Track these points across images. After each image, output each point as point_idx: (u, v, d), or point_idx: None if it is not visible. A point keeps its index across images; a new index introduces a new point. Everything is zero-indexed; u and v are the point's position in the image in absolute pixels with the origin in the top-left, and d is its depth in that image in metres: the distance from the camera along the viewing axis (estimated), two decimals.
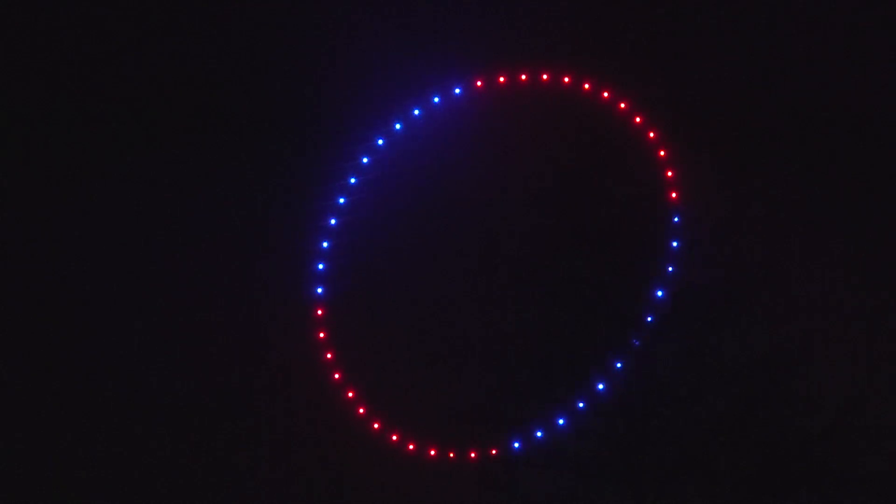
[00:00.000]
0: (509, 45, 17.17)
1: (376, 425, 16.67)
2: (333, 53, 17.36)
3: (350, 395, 16.76)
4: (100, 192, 17.38)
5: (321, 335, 16.94)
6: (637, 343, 15.99)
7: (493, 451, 16.34)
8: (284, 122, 17.34)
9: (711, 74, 17.05)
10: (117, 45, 17.59)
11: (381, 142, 17.19)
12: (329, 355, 16.88)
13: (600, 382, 15.97)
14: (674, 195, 16.47)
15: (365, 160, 17.18)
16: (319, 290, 16.94)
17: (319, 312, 16.99)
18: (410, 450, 16.50)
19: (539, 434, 16.14)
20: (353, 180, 17.19)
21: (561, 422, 16.06)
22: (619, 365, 15.99)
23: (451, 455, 16.41)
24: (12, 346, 17.07)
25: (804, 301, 16.36)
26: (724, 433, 15.95)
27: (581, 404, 16.05)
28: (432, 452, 16.48)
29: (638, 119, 16.80)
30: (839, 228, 16.63)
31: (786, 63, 17.05)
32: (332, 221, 17.09)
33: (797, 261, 16.54)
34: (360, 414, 16.68)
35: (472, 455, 16.35)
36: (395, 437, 16.59)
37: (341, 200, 17.15)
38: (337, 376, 16.86)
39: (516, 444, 16.21)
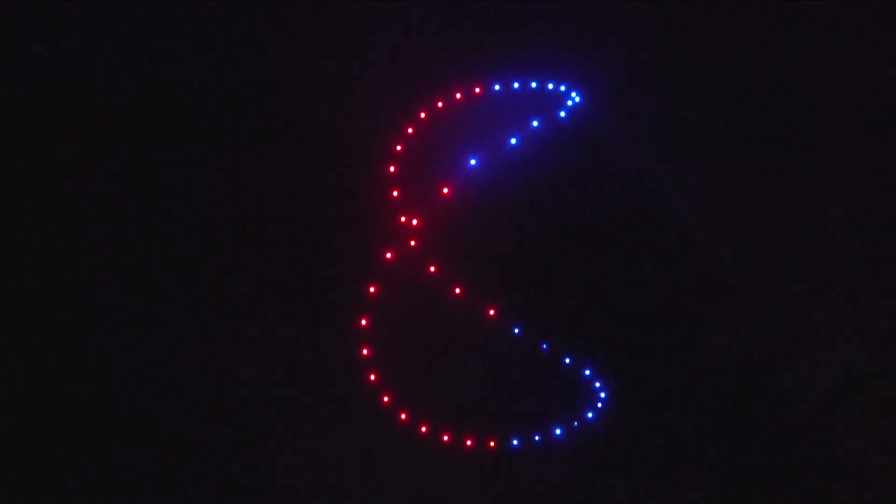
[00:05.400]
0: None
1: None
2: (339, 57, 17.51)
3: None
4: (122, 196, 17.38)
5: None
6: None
7: (491, 444, 16.79)
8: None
9: (708, 70, 17.22)
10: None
11: (399, 148, 17.03)
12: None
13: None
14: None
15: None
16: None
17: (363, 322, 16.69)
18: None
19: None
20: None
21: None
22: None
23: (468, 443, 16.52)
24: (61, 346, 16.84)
25: (794, 299, 16.52)
26: (716, 427, 16.13)
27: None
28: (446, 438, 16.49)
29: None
30: (827, 228, 16.83)
31: (777, 58, 17.25)
32: None
33: (785, 259, 16.79)
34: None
35: (468, 444, 16.70)
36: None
37: None
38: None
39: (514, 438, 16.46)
